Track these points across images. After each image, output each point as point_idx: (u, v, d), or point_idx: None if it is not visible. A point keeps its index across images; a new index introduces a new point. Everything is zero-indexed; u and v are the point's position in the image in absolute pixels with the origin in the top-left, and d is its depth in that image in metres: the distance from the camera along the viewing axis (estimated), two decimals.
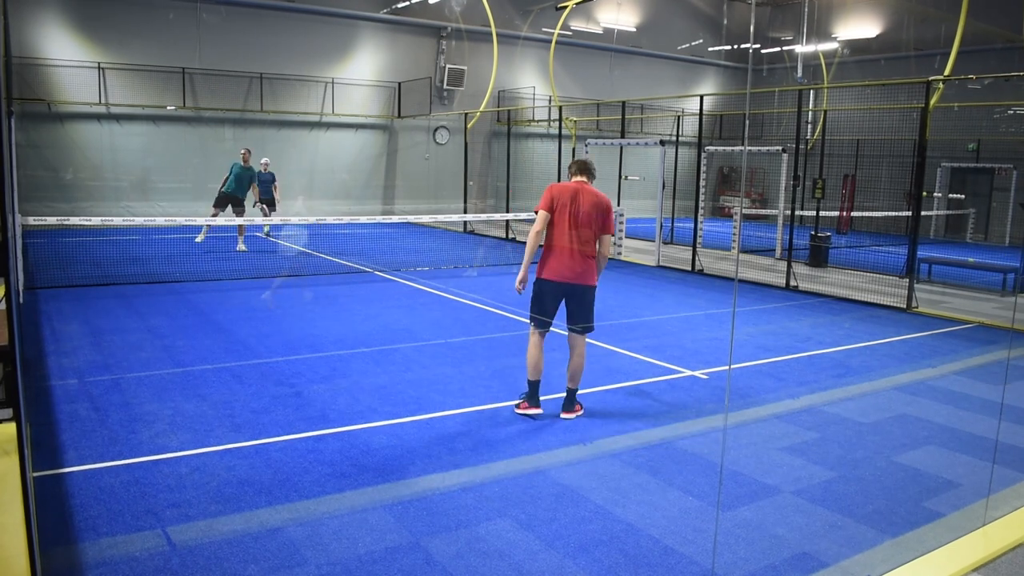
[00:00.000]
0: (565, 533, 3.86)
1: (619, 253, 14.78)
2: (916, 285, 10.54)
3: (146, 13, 18.35)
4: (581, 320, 5.51)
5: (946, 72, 11.07)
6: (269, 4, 19.74)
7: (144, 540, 3.67)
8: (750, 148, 17.66)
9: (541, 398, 5.65)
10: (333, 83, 20.86)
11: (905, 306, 10.10)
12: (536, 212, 5.50)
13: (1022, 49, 18.19)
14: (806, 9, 21.46)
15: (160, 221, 16.16)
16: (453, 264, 13.57)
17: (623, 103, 16.32)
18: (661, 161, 14.00)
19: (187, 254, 13.69)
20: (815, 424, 5.57)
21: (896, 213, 18.01)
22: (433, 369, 6.72)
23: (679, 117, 19.75)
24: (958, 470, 4.82)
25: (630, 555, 3.68)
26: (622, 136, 16.18)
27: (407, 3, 21.44)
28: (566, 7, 20.76)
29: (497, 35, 21.29)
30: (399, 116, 21.97)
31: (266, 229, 17.10)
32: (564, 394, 5.66)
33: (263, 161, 15.31)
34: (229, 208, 13.70)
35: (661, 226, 14.23)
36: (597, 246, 5.47)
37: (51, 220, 10.80)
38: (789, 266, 11.67)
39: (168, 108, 18.79)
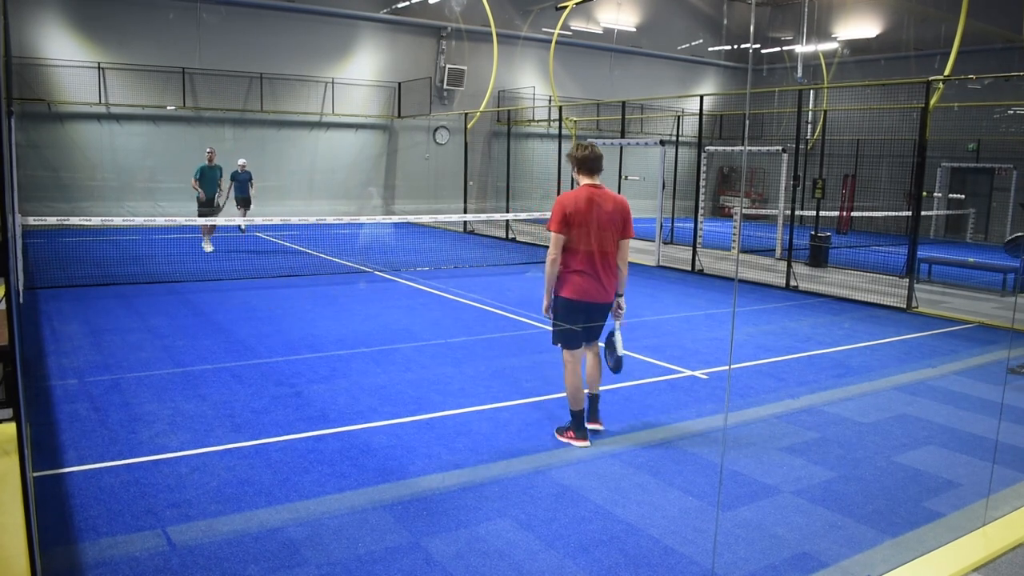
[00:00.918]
0: (565, 533, 3.86)
1: None
2: (916, 285, 10.54)
3: (146, 13, 18.35)
4: (596, 334, 5.19)
5: (946, 72, 11.07)
6: (269, 4, 19.74)
7: (144, 540, 3.67)
8: (750, 148, 17.66)
9: (541, 398, 5.64)
10: (333, 83, 20.87)
11: (905, 306, 10.10)
12: (548, 230, 4.96)
13: (1022, 49, 18.19)
14: (806, 9, 21.46)
15: (160, 221, 16.15)
16: (453, 264, 13.57)
17: (623, 103, 16.32)
18: (661, 161, 14.00)
19: (187, 254, 13.69)
20: (815, 424, 5.57)
21: (896, 213, 18.01)
22: (433, 369, 6.72)
23: (679, 117, 19.75)
24: (958, 470, 4.82)
25: (630, 555, 3.68)
26: (622, 136, 16.18)
27: (407, 3, 21.44)
28: (566, 7, 20.76)
29: (497, 35, 21.29)
30: (399, 116, 21.97)
31: (243, 227, 17.11)
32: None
33: (240, 162, 15.41)
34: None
35: (661, 226, 14.23)
36: (618, 252, 5.02)
37: (51, 220, 10.80)
38: (789, 266, 11.67)
39: (168, 108, 18.79)
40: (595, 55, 25.63)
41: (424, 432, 5.18)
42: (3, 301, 4.92)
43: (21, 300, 8.58)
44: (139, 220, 15.23)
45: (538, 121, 23.69)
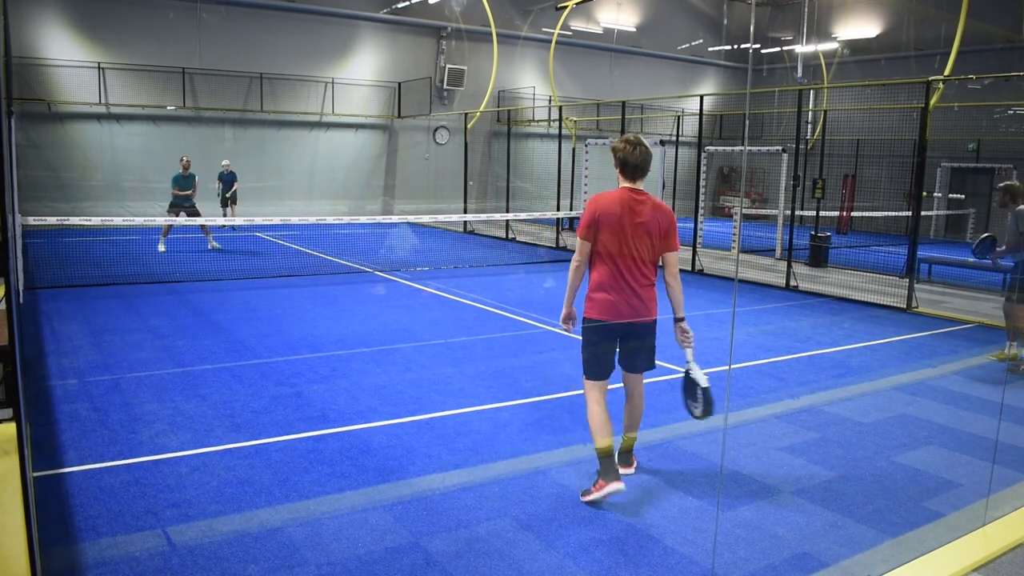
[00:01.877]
0: (565, 533, 3.86)
1: None
2: (916, 285, 10.54)
3: (146, 13, 18.35)
4: (642, 362, 4.45)
5: (946, 72, 11.07)
6: (269, 4, 19.74)
7: (144, 540, 3.67)
8: (750, 148, 17.66)
9: (541, 398, 5.63)
10: (333, 83, 20.87)
11: (905, 306, 10.10)
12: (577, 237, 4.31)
13: (1022, 49, 18.19)
14: (806, 9, 21.47)
15: (160, 221, 16.12)
16: (453, 264, 13.57)
17: (623, 103, 16.32)
18: (661, 161, 14.00)
19: (187, 254, 13.69)
20: (815, 424, 5.57)
21: (896, 213, 18.01)
22: (433, 369, 6.72)
23: (679, 117, 19.75)
24: (958, 470, 4.81)
25: (630, 555, 3.68)
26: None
27: (407, 3, 21.44)
28: (566, 7, 20.76)
29: (497, 35, 21.28)
30: (399, 116, 21.97)
31: (234, 225, 17.18)
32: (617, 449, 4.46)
33: (224, 163, 15.89)
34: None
35: None
36: (664, 269, 4.33)
37: (51, 220, 10.80)
38: (789, 266, 11.67)
39: (168, 108, 18.79)
40: (595, 55, 25.63)
41: (424, 432, 5.18)
42: (3, 301, 4.92)
43: (21, 300, 8.58)
44: (139, 220, 15.24)
45: (538, 121, 23.69)
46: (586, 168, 15.88)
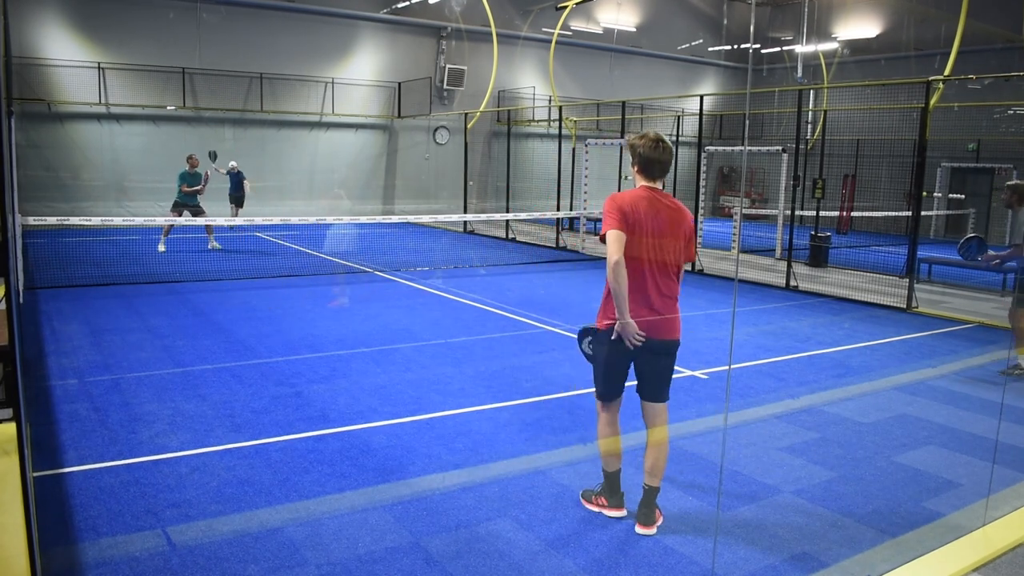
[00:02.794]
0: (565, 533, 3.86)
1: None
2: (916, 285, 10.53)
3: (146, 13, 18.35)
4: (661, 389, 3.98)
5: (946, 72, 11.07)
6: (269, 4, 19.74)
7: (144, 540, 3.67)
8: (750, 148, 17.66)
9: (541, 398, 5.62)
10: (333, 83, 20.87)
11: (905, 306, 10.09)
12: (602, 237, 3.79)
13: (1022, 49, 18.19)
14: (806, 9, 21.47)
15: (160, 221, 16.12)
16: (453, 264, 13.57)
17: (623, 103, 16.31)
18: None
19: (187, 254, 13.69)
20: (815, 424, 5.57)
21: (896, 213, 18.01)
22: (433, 369, 6.72)
23: (679, 117, 19.76)
24: (958, 470, 4.81)
25: (630, 555, 3.68)
26: (622, 136, 16.16)
27: (407, 3, 21.44)
28: (566, 7, 20.76)
29: (497, 35, 21.28)
30: (399, 116, 21.97)
31: (231, 225, 17.21)
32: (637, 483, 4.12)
33: (231, 164, 15.96)
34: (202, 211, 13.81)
35: None
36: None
37: (51, 220, 10.81)
38: (789, 266, 11.67)
39: (168, 108, 18.79)
40: (595, 55, 25.63)
41: (424, 432, 5.18)
42: (3, 301, 4.92)
43: (21, 300, 8.58)
44: (139, 220, 15.23)
45: (538, 121, 23.68)
46: (586, 168, 15.88)
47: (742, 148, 22.02)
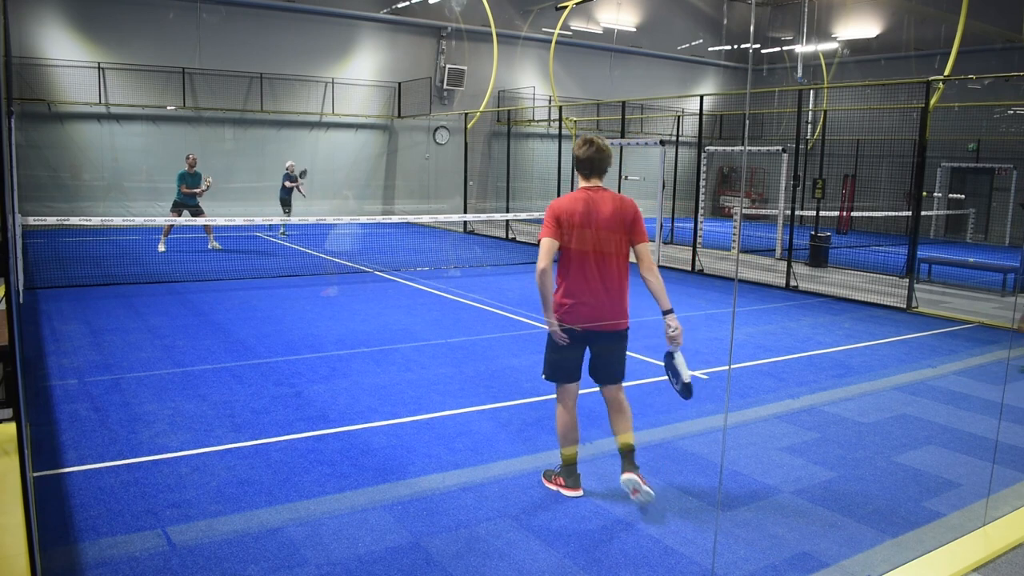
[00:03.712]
0: (565, 533, 3.86)
1: None
2: (916, 285, 10.53)
3: (146, 13, 18.35)
4: (612, 373, 4.26)
5: (946, 72, 11.07)
6: (269, 4, 19.74)
7: (144, 540, 3.67)
8: (750, 148, 17.66)
9: (541, 398, 5.62)
10: (333, 83, 20.87)
11: (905, 306, 10.10)
12: (539, 240, 4.08)
13: (1022, 49, 18.19)
14: (806, 9, 21.46)
15: (160, 221, 16.14)
16: (453, 264, 13.57)
17: (623, 103, 16.32)
18: (661, 161, 14.00)
19: (187, 254, 13.69)
20: (815, 424, 5.57)
21: (896, 213, 18.01)
22: (433, 369, 6.72)
23: (679, 117, 19.75)
24: (958, 470, 4.81)
25: (630, 555, 3.68)
26: (622, 136, 16.17)
27: (407, 3, 21.44)
28: (566, 7, 20.76)
29: (497, 35, 21.28)
30: (399, 116, 21.97)
31: (283, 229, 17.46)
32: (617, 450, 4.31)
33: (288, 163, 16.42)
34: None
35: (661, 226, 14.22)
36: (638, 264, 4.21)
37: (51, 220, 10.81)
38: (789, 266, 11.67)
39: (168, 108, 18.79)
40: (595, 55, 25.63)
41: (424, 432, 5.18)
42: (3, 301, 4.93)
43: (21, 300, 8.58)
44: (139, 220, 15.24)
45: (538, 121, 23.69)
46: None
47: (742, 148, 22.03)
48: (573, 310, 4.10)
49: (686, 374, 4.18)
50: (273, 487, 4.27)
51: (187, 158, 13.70)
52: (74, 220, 10.78)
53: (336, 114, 21.04)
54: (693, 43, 27.50)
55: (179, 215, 13.49)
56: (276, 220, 14.01)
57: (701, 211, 15.31)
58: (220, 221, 12.94)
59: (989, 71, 13.07)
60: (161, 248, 13.82)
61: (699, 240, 14.57)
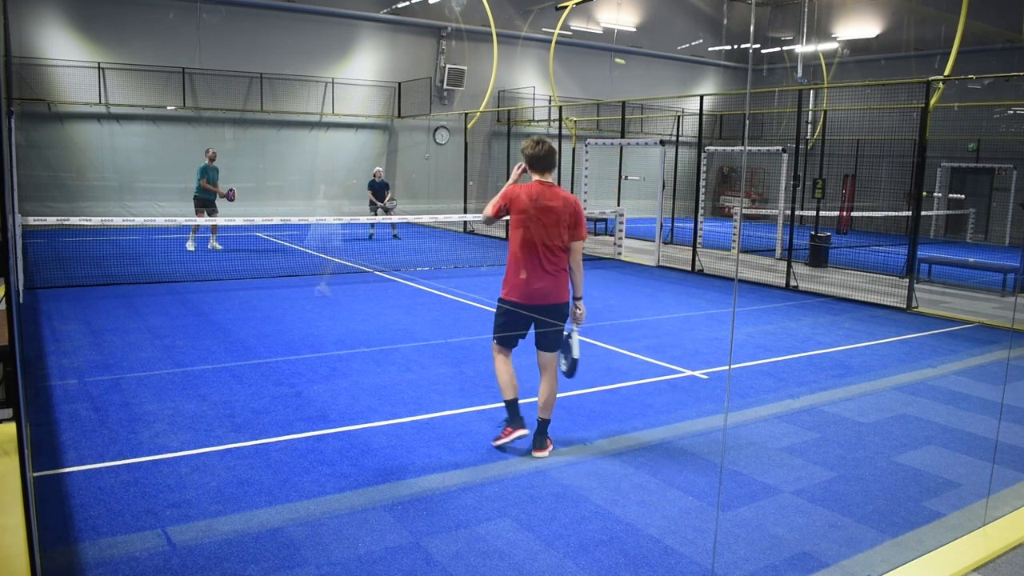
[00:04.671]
0: (565, 533, 3.86)
1: (619, 253, 14.78)
2: (916, 285, 10.53)
3: (146, 13, 18.35)
4: (551, 341, 4.86)
5: (946, 72, 11.07)
6: (269, 4, 19.74)
7: (144, 540, 3.67)
8: (750, 148, 17.66)
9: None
10: (333, 83, 20.87)
11: (905, 306, 10.10)
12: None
13: (1022, 49, 18.19)
14: (806, 9, 21.46)
15: (160, 221, 16.15)
16: (453, 264, 13.57)
17: (623, 103, 16.32)
18: (661, 161, 14.00)
19: (187, 254, 13.68)
20: (815, 424, 5.57)
21: (896, 213, 18.01)
22: (433, 369, 6.72)
23: (679, 117, 19.75)
24: (958, 470, 4.81)
25: (630, 555, 3.68)
26: (622, 136, 16.18)
27: (407, 3, 21.44)
28: (566, 7, 20.76)
29: (497, 35, 21.29)
30: (399, 116, 21.97)
31: (394, 232, 17.52)
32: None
33: (376, 169, 16.79)
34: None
35: (661, 226, 14.23)
36: (570, 256, 4.76)
37: (51, 220, 10.80)
38: (789, 266, 11.67)
39: (168, 108, 18.79)
40: (595, 55, 25.63)
41: (424, 432, 5.18)
42: (3, 301, 4.93)
43: (21, 300, 8.59)
44: (139, 220, 15.23)
45: (538, 121, 23.69)
46: (586, 168, 15.89)
47: (742, 148, 22.03)
48: (526, 287, 4.72)
49: (576, 352, 4.88)
50: (273, 487, 4.27)
51: (207, 152, 13.70)
52: (74, 220, 10.78)
53: (336, 114, 21.05)
54: (693, 43, 27.50)
55: (201, 214, 13.47)
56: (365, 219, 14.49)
57: (701, 211, 15.32)
58: (220, 221, 12.96)
59: (989, 71, 13.08)
60: (190, 247, 13.83)
61: (699, 240, 14.57)
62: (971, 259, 13.70)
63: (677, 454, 4.93)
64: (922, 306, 10.24)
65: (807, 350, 7.77)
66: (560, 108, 17.62)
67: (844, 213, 16.67)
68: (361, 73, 21.47)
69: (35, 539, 2.85)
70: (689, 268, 13.33)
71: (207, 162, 13.54)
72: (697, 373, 6.80)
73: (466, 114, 20.70)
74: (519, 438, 4.86)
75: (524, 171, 4.86)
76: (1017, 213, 19.57)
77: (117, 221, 14.26)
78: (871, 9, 23.06)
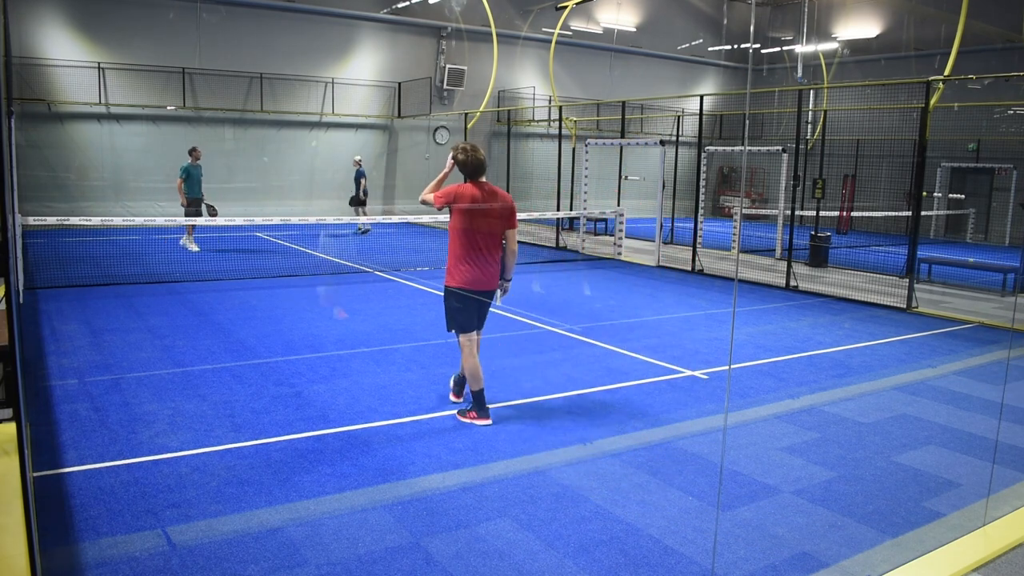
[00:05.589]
0: (565, 533, 3.86)
1: (619, 254, 14.78)
2: (916, 285, 10.53)
3: (146, 13, 18.35)
4: (483, 321, 5.51)
5: (946, 72, 11.07)
6: (269, 4, 19.75)
7: (144, 540, 3.67)
8: (750, 148, 17.66)
9: (541, 398, 5.63)
10: (333, 83, 20.87)
11: (905, 306, 10.10)
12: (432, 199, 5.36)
13: (1022, 49, 18.19)
14: (806, 9, 21.46)
15: (160, 221, 16.14)
16: None
17: (623, 103, 16.32)
18: (661, 161, 14.00)
19: (187, 254, 13.68)
20: (815, 424, 5.57)
21: (896, 213, 18.01)
22: (433, 369, 6.72)
23: (679, 117, 19.75)
24: (958, 470, 4.82)
25: (630, 555, 3.68)
26: (622, 136, 16.18)
27: (407, 3, 21.44)
28: (566, 7, 20.76)
29: (497, 35, 21.28)
30: (399, 116, 21.97)
31: (361, 227, 17.76)
32: (486, 398, 5.47)
33: (356, 158, 17.09)
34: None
35: (661, 226, 14.23)
36: (506, 242, 5.41)
37: (51, 220, 10.80)
38: (789, 266, 11.67)
39: (168, 108, 18.80)
40: (595, 55, 25.63)
41: (424, 432, 5.18)
42: (3, 301, 4.93)
43: (21, 300, 8.59)
44: (139, 220, 15.23)
45: (538, 121, 23.69)
46: (586, 168, 15.89)
47: (742, 148, 22.03)
48: (471, 274, 5.26)
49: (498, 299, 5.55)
50: (273, 487, 4.27)
51: (193, 151, 13.63)
52: (74, 220, 10.78)
53: (336, 114, 21.05)
54: (693, 43, 27.51)
55: (198, 212, 13.45)
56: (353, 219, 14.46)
57: (701, 211, 15.32)
58: (220, 221, 12.96)
59: (989, 71, 13.07)
60: (194, 247, 13.82)
61: (699, 240, 14.57)
62: (971, 259, 13.70)
63: (677, 454, 4.93)
64: (922, 306, 10.24)
65: (807, 350, 7.77)
66: (560, 108, 17.61)
67: (844, 213, 16.67)
68: (361, 73, 21.47)
69: (35, 539, 2.86)
70: (689, 268, 13.33)
71: (191, 161, 13.49)
72: (697, 373, 6.80)
73: (466, 114, 20.70)
74: (482, 425, 5.30)
75: (452, 168, 5.38)
76: (1017, 213, 19.57)
77: (117, 221, 14.26)
78: (871, 9, 23.06)
